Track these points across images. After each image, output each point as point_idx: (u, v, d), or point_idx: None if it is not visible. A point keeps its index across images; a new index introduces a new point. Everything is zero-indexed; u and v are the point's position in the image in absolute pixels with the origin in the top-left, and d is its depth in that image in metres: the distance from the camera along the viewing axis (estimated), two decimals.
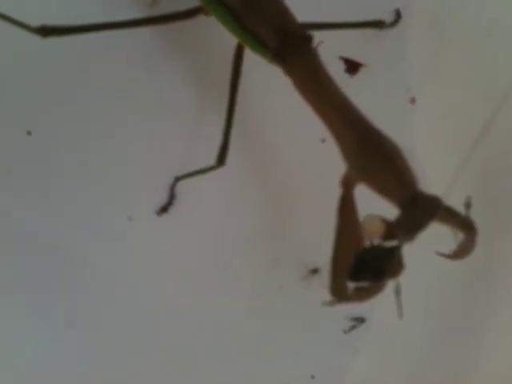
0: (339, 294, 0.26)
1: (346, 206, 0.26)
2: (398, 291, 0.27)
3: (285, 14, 0.30)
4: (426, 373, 0.37)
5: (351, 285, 0.26)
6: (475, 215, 0.27)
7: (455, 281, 0.37)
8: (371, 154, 0.26)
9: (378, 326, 0.38)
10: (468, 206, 0.27)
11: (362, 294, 0.26)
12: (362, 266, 0.25)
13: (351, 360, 0.38)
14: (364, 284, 0.26)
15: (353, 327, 0.39)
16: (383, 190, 0.25)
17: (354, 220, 0.26)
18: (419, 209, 0.24)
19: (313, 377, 0.38)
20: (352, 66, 0.38)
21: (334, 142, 0.27)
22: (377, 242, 0.26)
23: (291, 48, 0.29)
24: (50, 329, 0.35)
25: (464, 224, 0.26)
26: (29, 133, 0.34)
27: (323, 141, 0.35)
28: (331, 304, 0.26)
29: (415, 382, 0.38)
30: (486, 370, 0.36)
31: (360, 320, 0.39)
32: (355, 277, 0.26)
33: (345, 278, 0.25)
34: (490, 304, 0.37)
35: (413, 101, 0.39)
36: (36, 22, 0.29)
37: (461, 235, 0.27)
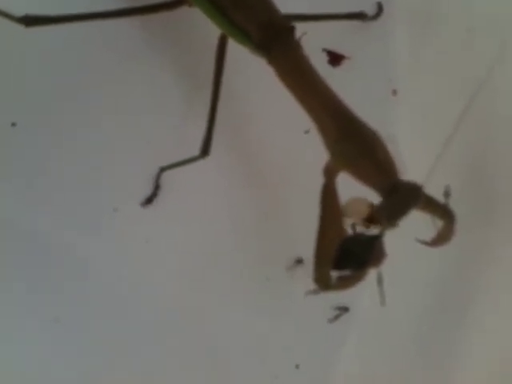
0: (323, 282, 0.26)
1: (329, 195, 0.26)
2: (379, 279, 0.27)
3: (268, 5, 0.30)
4: (410, 360, 0.38)
5: (334, 273, 0.27)
6: (458, 204, 0.27)
7: (440, 270, 0.38)
8: (353, 143, 0.26)
9: (362, 315, 0.39)
10: (447, 194, 0.27)
11: (344, 283, 0.27)
12: (345, 255, 0.26)
13: (336, 349, 0.38)
14: (347, 272, 0.26)
15: (337, 316, 0.39)
16: (365, 177, 0.26)
17: (337, 209, 0.26)
18: (400, 195, 0.25)
19: (297, 366, 0.38)
20: (335, 58, 0.39)
21: (317, 132, 0.27)
22: (360, 224, 0.26)
23: (274, 39, 0.29)
24: (37, 325, 0.34)
25: (443, 212, 0.27)
26: (13, 124, 0.34)
27: (307, 132, 0.36)
28: (315, 293, 0.27)
29: (400, 371, 0.38)
30: (469, 356, 0.37)
31: (344, 309, 0.39)
32: (338, 265, 0.26)
33: (328, 267, 0.26)
34: (474, 292, 0.37)
35: (394, 92, 0.40)
36: (20, 11, 0.29)
37: (440, 223, 0.27)
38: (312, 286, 0.27)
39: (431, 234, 0.28)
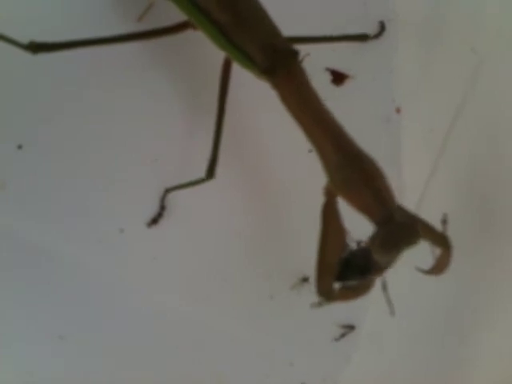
0: (326, 294, 0.27)
1: (330, 212, 0.27)
2: (384, 287, 0.27)
3: (272, 30, 0.30)
4: (414, 379, 0.38)
5: (338, 285, 0.27)
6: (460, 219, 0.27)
7: (443, 288, 0.38)
8: (352, 173, 0.26)
9: (369, 333, 0.39)
10: (444, 222, 0.27)
11: (348, 294, 0.27)
12: (347, 266, 0.26)
13: (342, 368, 0.39)
14: (350, 283, 0.26)
15: (343, 335, 0.39)
16: (361, 206, 0.26)
17: (338, 224, 0.27)
18: (395, 229, 0.25)
19: None
20: (338, 77, 0.39)
21: (317, 157, 0.27)
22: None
23: (278, 64, 0.29)
24: (43, 341, 0.35)
25: (440, 240, 0.27)
26: (19, 146, 0.34)
27: (310, 151, 0.36)
28: (320, 305, 0.27)
29: None
30: (476, 375, 0.37)
31: (350, 327, 0.39)
32: (341, 277, 0.26)
33: (331, 279, 0.26)
34: (479, 308, 0.37)
35: (398, 111, 0.40)
36: (27, 39, 0.29)
37: (437, 251, 0.28)
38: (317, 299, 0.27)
39: (430, 263, 0.28)
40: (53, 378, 0.35)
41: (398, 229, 0.25)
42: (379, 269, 0.26)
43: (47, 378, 0.35)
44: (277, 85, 0.29)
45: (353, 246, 0.27)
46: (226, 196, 0.37)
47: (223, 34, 0.30)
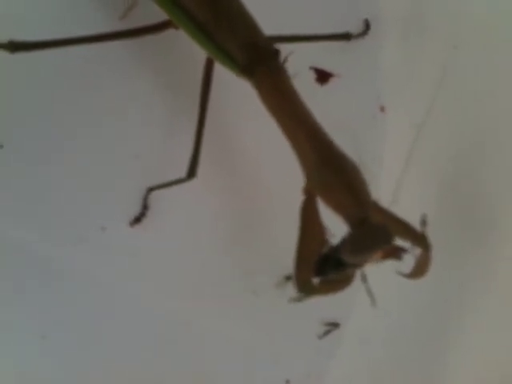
0: (305, 288, 0.27)
1: (308, 209, 0.27)
2: (364, 278, 0.27)
3: (252, 29, 0.30)
4: (398, 377, 0.38)
5: (316, 280, 0.27)
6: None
7: (428, 284, 0.38)
8: (329, 175, 0.26)
9: (353, 331, 0.39)
10: (424, 223, 0.27)
11: (328, 288, 0.27)
12: (325, 260, 0.26)
13: (326, 365, 0.39)
14: (329, 277, 0.27)
15: (327, 332, 0.39)
16: (337, 207, 0.26)
17: (317, 221, 0.27)
18: (367, 231, 0.25)
19: (287, 381, 0.38)
20: (322, 76, 0.39)
21: (295, 156, 0.27)
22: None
23: (258, 62, 0.29)
24: (24, 341, 0.35)
25: (419, 239, 0.27)
26: (0, 146, 0.34)
27: None
28: (299, 300, 0.27)
29: None
30: (461, 372, 0.37)
31: (334, 325, 0.39)
32: (320, 271, 0.26)
33: (309, 273, 0.26)
34: (462, 306, 0.38)
35: (383, 109, 0.40)
36: (6, 37, 0.29)
37: (418, 253, 0.28)
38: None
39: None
40: (32, 378, 0.35)
41: (369, 232, 0.25)
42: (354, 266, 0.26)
43: (25, 377, 0.35)
44: (256, 84, 0.29)
45: (333, 241, 0.27)
46: (210, 194, 0.36)
47: (204, 33, 0.30)
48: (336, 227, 0.27)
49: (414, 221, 0.28)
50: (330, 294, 0.27)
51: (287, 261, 0.36)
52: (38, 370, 0.35)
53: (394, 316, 0.37)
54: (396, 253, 0.26)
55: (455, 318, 0.37)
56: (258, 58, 0.29)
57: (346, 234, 0.26)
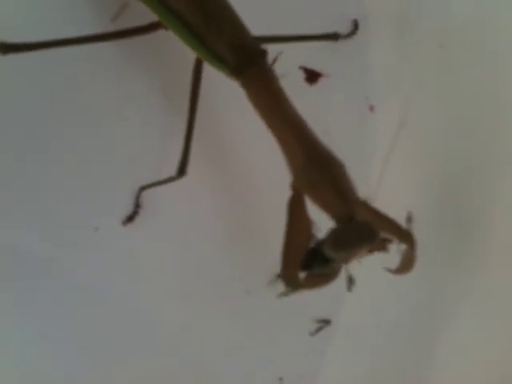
0: (292, 283, 0.27)
1: (296, 205, 0.27)
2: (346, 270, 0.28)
3: (240, 30, 0.31)
4: (391, 373, 0.38)
5: (303, 275, 0.27)
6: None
7: (418, 282, 0.38)
8: (316, 175, 0.27)
9: (345, 327, 0.39)
10: (409, 220, 0.28)
11: (314, 282, 0.27)
12: (311, 255, 0.26)
13: (319, 361, 0.39)
14: (316, 271, 0.27)
15: (319, 329, 0.39)
16: (323, 207, 0.27)
17: (304, 217, 0.27)
18: (352, 228, 0.26)
19: (281, 379, 0.39)
20: (312, 76, 0.39)
21: (282, 155, 0.28)
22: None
23: (246, 63, 0.30)
24: (22, 340, 0.35)
25: (404, 236, 0.28)
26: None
27: None
28: (286, 294, 0.27)
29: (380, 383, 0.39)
30: (448, 370, 0.37)
31: (326, 322, 0.40)
32: (306, 266, 0.27)
33: (296, 268, 0.27)
34: (452, 305, 0.38)
35: (372, 109, 0.40)
36: None
37: (403, 250, 0.28)
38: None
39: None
40: (32, 378, 0.35)
41: (354, 229, 0.26)
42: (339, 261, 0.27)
43: (25, 377, 0.35)
44: (245, 84, 0.29)
45: (319, 236, 0.27)
46: (202, 193, 0.37)
47: (193, 35, 0.30)
48: (324, 222, 0.27)
49: (400, 218, 0.29)
50: (315, 289, 0.28)
51: (279, 258, 0.37)
52: (38, 369, 0.35)
53: (385, 312, 0.38)
54: (382, 245, 0.26)
55: (446, 315, 0.37)
56: (246, 59, 0.30)
57: (331, 229, 0.26)
